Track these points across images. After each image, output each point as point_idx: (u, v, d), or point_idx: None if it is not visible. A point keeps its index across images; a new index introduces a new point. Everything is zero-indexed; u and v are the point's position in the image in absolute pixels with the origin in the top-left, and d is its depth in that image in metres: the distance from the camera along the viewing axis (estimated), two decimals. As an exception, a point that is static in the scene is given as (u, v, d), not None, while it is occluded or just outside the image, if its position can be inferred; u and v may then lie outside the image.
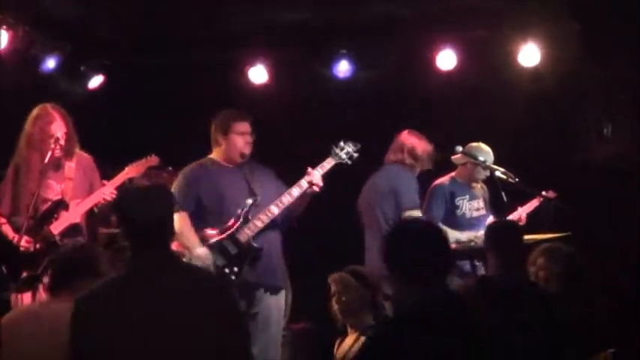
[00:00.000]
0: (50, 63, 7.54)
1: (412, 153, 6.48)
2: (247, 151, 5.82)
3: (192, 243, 5.49)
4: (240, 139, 5.80)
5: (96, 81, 8.04)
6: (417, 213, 6.17)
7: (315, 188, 5.68)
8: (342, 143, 5.97)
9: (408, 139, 6.55)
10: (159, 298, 3.32)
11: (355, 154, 5.99)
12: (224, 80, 8.18)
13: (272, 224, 5.63)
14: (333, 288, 4.79)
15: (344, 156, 5.94)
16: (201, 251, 5.46)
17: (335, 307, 4.80)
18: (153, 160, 6.11)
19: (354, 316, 4.69)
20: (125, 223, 3.46)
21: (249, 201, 5.59)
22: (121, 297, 3.34)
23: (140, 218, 3.40)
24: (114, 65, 8.17)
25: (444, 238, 3.42)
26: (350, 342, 4.71)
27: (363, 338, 4.58)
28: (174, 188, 5.67)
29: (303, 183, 5.66)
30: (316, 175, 5.70)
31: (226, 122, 5.84)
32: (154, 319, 3.28)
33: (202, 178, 5.73)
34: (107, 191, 5.77)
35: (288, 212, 5.74)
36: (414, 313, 3.25)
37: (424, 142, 6.54)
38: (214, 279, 3.81)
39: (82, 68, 7.91)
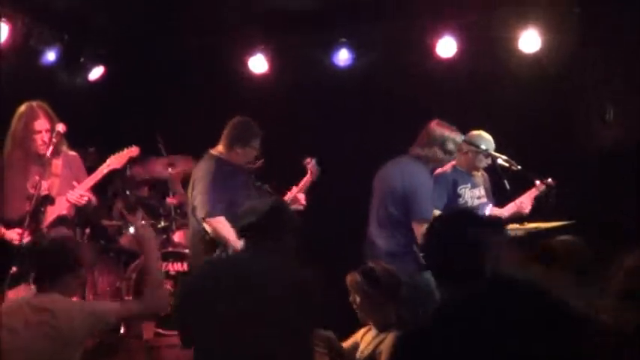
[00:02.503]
0: (50, 55, 7.54)
1: (444, 146, 6.18)
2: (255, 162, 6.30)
3: (235, 240, 5.59)
4: (253, 153, 6.22)
5: (96, 72, 8.02)
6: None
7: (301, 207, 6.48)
8: (312, 160, 6.73)
9: (439, 130, 6.20)
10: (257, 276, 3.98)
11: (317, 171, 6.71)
12: (224, 69, 8.17)
13: None
14: (348, 287, 4.82)
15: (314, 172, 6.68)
16: None
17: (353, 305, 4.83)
18: (134, 150, 6.27)
19: (371, 314, 4.71)
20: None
21: None
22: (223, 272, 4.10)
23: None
24: (113, 55, 8.16)
25: (479, 234, 3.41)
26: (369, 338, 4.73)
27: (382, 336, 4.62)
28: (203, 194, 5.94)
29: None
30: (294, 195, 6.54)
31: (248, 136, 6.19)
32: (246, 290, 3.92)
33: (229, 182, 6.04)
34: (74, 196, 5.87)
35: None
36: (448, 310, 3.27)
37: (455, 133, 6.25)
38: (306, 281, 4.11)
39: (81, 60, 7.89)
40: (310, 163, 6.73)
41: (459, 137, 6.27)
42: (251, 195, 6.00)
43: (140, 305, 4.34)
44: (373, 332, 4.73)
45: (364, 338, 4.76)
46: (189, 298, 4.07)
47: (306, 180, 6.73)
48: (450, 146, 6.21)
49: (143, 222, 6.52)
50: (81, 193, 5.88)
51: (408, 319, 4.66)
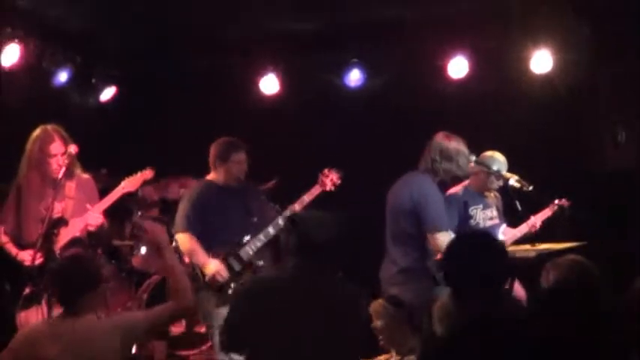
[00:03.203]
0: (62, 76, 7.57)
1: (451, 157, 6.05)
2: (243, 175, 6.28)
3: (204, 260, 6.04)
4: (237, 167, 6.26)
5: (108, 93, 8.04)
6: (441, 236, 5.83)
7: None
8: (326, 170, 6.57)
9: (446, 141, 6.11)
10: (310, 299, 3.96)
11: (338, 182, 6.59)
12: (235, 90, 8.19)
13: (269, 241, 6.24)
14: (372, 314, 4.86)
15: (328, 183, 6.55)
16: (217, 266, 6.03)
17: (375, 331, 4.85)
18: (148, 173, 6.35)
19: (394, 340, 4.73)
20: (300, 238, 4.09)
21: (252, 221, 6.20)
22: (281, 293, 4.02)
23: (315, 238, 4.04)
24: (124, 76, 8.19)
25: (497, 253, 3.45)
26: None
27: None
28: (180, 209, 6.22)
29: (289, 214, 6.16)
30: (300, 206, 6.33)
31: (225, 152, 6.28)
32: (302, 314, 3.91)
33: (207, 201, 6.20)
34: (91, 220, 5.95)
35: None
36: (465, 329, 3.33)
37: (461, 144, 6.15)
38: (358, 297, 4.17)
39: (93, 80, 7.92)
40: (330, 175, 6.58)
41: (464, 148, 6.15)
42: (241, 210, 6.17)
43: (168, 306, 4.26)
44: (395, 358, 4.74)
45: None
46: (247, 318, 4.01)
47: (315, 190, 6.53)
48: (456, 156, 6.09)
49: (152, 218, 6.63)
50: (96, 215, 5.92)
51: None
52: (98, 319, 4.19)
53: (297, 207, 6.29)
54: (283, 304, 3.94)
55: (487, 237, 3.67)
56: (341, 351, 3.88)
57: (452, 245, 3.58)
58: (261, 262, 6.14)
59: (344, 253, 4.16)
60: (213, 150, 6.31)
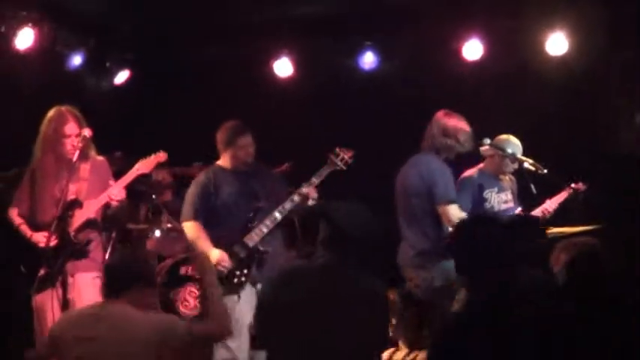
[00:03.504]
0: (76, 60, 7.58)
1: (449, 133, 6.18)
2: (250, 160, 6.18)
3: (207, 249, 5.90)
4: (243, 151, 6.17)
5: (122, 76, 8.05)
6: (452, 209, 5.97)
7: (310, 201, 6.08)
8: (337, 150, 6.33)
9: (445, 119, 6.24)
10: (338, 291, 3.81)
11: (350, 161, 6.33)
12: (249, 73, 8.18)
13: (276, 227, 6.09)
14: None
15: (339, 163, 6.29)
16: (220, 255, 5.91)
17: None
18: (161, 156, 6.29)
19: (405, 333, 4.72)
20: (333, 230, 3.93)
21: (257, 205, 6.05)
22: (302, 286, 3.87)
23: (351, 231, 3.87)
24: (138, 59, 8.19)
25: (506, 238, 3.44)
26: (400, 356, 4.73)
27: (413, 354, 4.63)
28: (187, 196, 6.18)
29: (296, 197, 6.04)
30: (308, 189, 6.08)
31: (230, 137, 6.21)
32: (329, 306, 3.77)
33: (212, 188, 6.14)
34: (115, 192, 5.91)
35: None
36: (477, 313, 3.34)
37: (462, 121, 6.26)
38: (379, 296, 4.01)
39: (107, 64, 7.93)
40: (341, 154, 6.30)
41: (465, 125, 6.24)
42: (248, 195, 6.06)
43: (208, 326, 4.30)
44: (403, 351, 4.74)
45: (394, 357, 4.76)
46: (272, 312, 3.94)
47: (324, 171, 6.26)
48: (457, 133, 6.19)
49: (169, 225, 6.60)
50: (118, 190, 5.91)
51: None
52: (140, 312, 4.21)
53: (304, 190, 6.08)
54: (311, 294, 3.82)
55: (497, 219, 3.65)
56: (361, 345, 3.77)
57: (461, 228, 3.56)
58: (268, 249, 5.99)
59: (380, 249, 4.06)
60: (219, 135, 6.27)
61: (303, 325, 3.76)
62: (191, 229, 6.09)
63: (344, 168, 6.31)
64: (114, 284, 4.30)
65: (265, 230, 5.99)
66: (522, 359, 3.19)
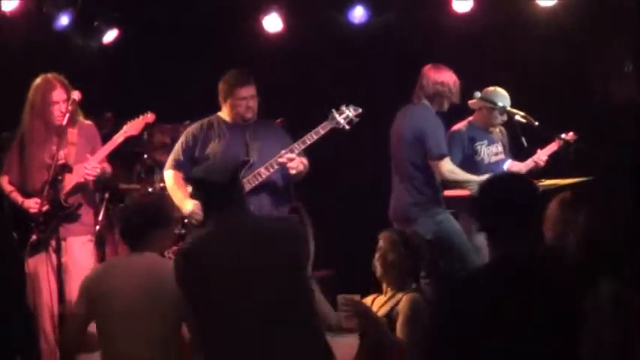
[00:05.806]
0: (63, 20, 7.50)
1: (439, 82, 6.22)
2: (249, 114, 5.98)
3: (180, 200, 5.85)
4: (242, 103, 5.95)
5: (110, 35, 7.98)
6: (445, 163, 6.07)
7: (292, 171, 5.86)
8: (343, 107, 6.05)
9: (432, 72, 6.29)
10: (246, 244, 3.86)
11: (355, 119, 6.06)
12: (238, 29, 8.12)
13: (265, 185, 5.86)
14: (380, 243, 4.83)
15: (342, 121, 6.02)
16: (192, 206, 5.75)
17: (377, 261, 4.82)
18: (149, 117, 6.31)
19: (394, 275, 4.74)
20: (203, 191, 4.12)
21: (245, 160, 5.82)
22: (216, 247, 3.89)
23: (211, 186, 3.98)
24: (126, 18, 8.12)
25: (531, 189, 3.45)
26: (382, 301, 4.76)
27: (398, 295, 4.66)
28: (175, 147, 6.10)
29: (274, 164, 5.84)
30: (290, 156, 5.84)
31: (230, 87, 5.99)
32: (246, 261, 3.81)
33: (200, 138, 5.99)
34: (90, 166, 5.90)
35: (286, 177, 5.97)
36: (489, 268, 3.36)
37: (449, 73, 6.31)
38: (288, 226, 4.14)
39: (95, 23, 7.86)
40: (346, 111, 6.04)
41: (453, 76, 6.28)
42: (237, 150, 5.91)
43: None
44: (387, 295, 4.76)
45: (376, 302, 4.79)
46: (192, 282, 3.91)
47: (321, 128, 6.00)
48: (444, 86, 6.23)
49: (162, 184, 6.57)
50: (93, 165, 5.91)
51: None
52: (168, 262, 4.24)
53: (296, 148, 5.87)
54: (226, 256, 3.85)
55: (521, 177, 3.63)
56: (289, 278, 3.89)
57: (485, 185, 3.56)
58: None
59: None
60: (220, 85, 6.10)
61: (225, 286, 3.81)
62: (169, 178, 6.03)
63: (346, 127, 6.03)
64: (136, 231, 4.34)
65: (248, 186, 5.68)
66: (551, 319, 3.16)
